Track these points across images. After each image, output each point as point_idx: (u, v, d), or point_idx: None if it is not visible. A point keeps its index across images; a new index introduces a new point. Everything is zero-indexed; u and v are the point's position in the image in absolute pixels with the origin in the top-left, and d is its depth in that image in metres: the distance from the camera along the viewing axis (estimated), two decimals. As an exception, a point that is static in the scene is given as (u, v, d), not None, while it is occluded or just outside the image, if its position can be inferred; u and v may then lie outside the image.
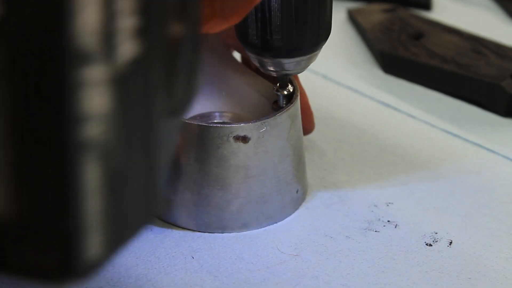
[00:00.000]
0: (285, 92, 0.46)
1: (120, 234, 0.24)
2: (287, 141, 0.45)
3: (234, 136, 0.43)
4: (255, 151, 0.44)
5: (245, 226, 0.45)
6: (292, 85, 0.46)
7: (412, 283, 0.42)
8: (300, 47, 0.44)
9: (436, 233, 0.45)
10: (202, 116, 0.49)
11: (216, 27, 0.36)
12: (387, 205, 0.48)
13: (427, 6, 0.76)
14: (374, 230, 0.45)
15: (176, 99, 0.25)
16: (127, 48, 0.22)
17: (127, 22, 0.22)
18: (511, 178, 0.51)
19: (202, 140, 0.43)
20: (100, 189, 0.22)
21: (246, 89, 0.49)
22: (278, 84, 0.46)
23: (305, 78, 0.51)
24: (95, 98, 0.21)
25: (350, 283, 0.41)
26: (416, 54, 0.63)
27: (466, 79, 0.60)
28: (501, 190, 0.50)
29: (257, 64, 0.45)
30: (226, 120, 0.49)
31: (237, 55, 0.53)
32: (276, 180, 0.45)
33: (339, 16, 0.74)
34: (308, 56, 0.44)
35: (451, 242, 0.45)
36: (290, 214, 0.47)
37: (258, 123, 0.43)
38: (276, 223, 0.46)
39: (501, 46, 0.64)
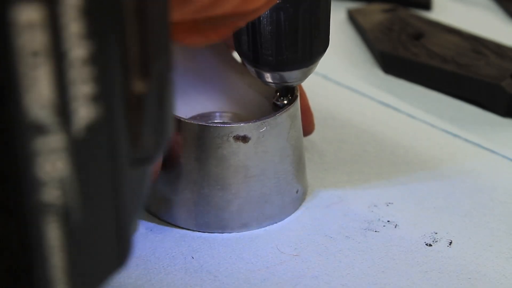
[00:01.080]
0: (285, 102, 0.46)
1: (87, 284, 0.25)
2: (287, 141, 0.45)
3: (234, 136, 0.43)
4: (255, 151, 0.44)
5: (245, 226, 0.45)
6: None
7: (412, 283, 0.42)
8: (292, 63, 0.43)
9: (436, 233, 0.45)
10: (202, 116, 0.49)
11: (196, 42, 0.36)
12: (387, 205, 0.48)
13: (427, 6, 0.76)
14: (374, 230, 0.45)
15: (144, 150, 0.26)
16: (83, 115, 0.22)
17: (81, 90, 0.22)
18: (511, 178, 0.51)
19: (202, 140, 0.43)
20: (62, 247, 0.23)
21: (246, 89, 0.49)
22: (277, 94, 0.46)
23: (305, 78, 0.51)
24: (51, 165, 0.22)
25: (350, 283, 0.41)
26: (416, 54, 0.63)
27: (466, 79, 0.60)
28: (501, 190, 0.50)
29: (254, 75, 0.45)
30: (226, 120, 0.49)
31: (237, 55, 0.53)
32: (276, 180, 0.45)
33: (339, 16, 0.74)
34: (305, 69, 0.44)
35: (451, 242, 0.45)
36: (290, 214, 0.47)
37: (258, 123, 0.43)
38: (276, 223, 0.46)
39: (501, 46, 0.64)
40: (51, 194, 0.22)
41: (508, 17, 0.76)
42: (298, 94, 0.46)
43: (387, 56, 0.64)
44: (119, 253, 0.26)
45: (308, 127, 0.51)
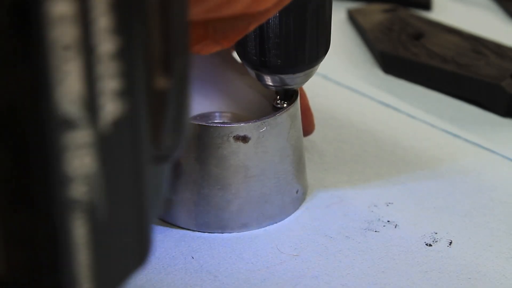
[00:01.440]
0: (285, 105, 0.46)
1: (110, 282, 0.25)
2: (287, 141, 0.45)
3: (234, 136, 0.43)
4: (255, 151, 0.44)
5: (245, 226, 0.45)
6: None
7: (412, 283, 0.42)
8: (299, 64, 0.44)
9: (436, 233, 0.45)
10: (202, 116, 0.49)
11: (207, 48, 0.36)
12: (387, 205, 0.48)
13: (427, 6, 0.76)
14: (374, 230, 0.45)
15: (164, 148, 0.26)
16: (110, 110, 0.23)
17: (108, 85, 0.22)
18: (511, 178, 0.51)
19: (202, 140, 0.43)
20: (88, 243, 0.23)
21: (246, 89, 0.49)
22: (278, 97, 0.46)
23: (305, 78, 0.51)
24: (79, 160, 0.22)
25: (350, 283, 0.41)
26: (416, 54, 0.63)
27: (466, 79, 0.60)
28: (501, 190, 0.50)
29: (255, 78, 0.45)
30: (226, 120, 0.49)
31: (237, 55, 0.53)
32: (276, 180, 0.45)
33: (339, 16, 0.74)
34: (307, 71, 0.44)
35: (451, 242, 0.45)
36: (290, 214, 0.47)
37: (258, 123, 0.43)
38: (276, 223, 0.46)
39: (501, 46, 0.64)
40: (79, 190, 0.22)
41: (508, 17, 0.76)
42: (298, 94, 0.46)
43: (387, 56, 0.64)
44: (140, 251, 0.26)
45: (308, 127, 0.51)
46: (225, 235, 0.45)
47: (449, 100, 0.60)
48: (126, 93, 0.23)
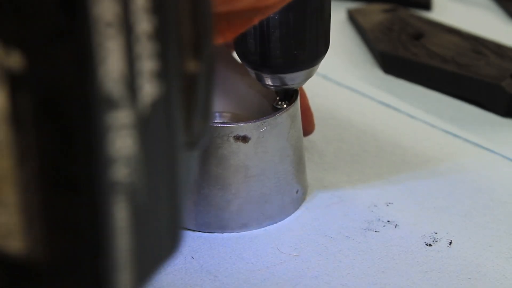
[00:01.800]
0: (285, 106, 0.46)
1: (147, 269, 0.24)
2: (287, 141, 0.45)
3: (234, 136, 0.43)
4: (255, 151, 0.44)
5: (245, 226, 0.45)
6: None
7: (412, 283, 0.42)
8: (299, 64, 0.44)
9: (436, 233, 0.45)
10: (202, 116, 0.49)
11: (215, 41, 0.36)
12: (387, 205, 0.48)
13: (427, 6, 0.76)
14: (374, 230, 0.45)
15: (193, 133, 0.26)
16: (148, 91, 0.22)
17: (147, 65, 0.22)
18: (511, 178, 0.51)
19: (202, 140, 0.43)
20: (129, 227, 0.23)
21: (246, 89, 0.49)
22: (277, 98, 0.46)
23: (305, 78, 0.51)
24: (121, 141, 0.22)
25: (350, 283, 0.41)
26: (416, 54, 0.63)
27: (466, 79, 0.60)
28: (501, 190, 0.50)
29: (255, 78, 0.45)
30: (226, 120, 0.49)
31: (237, 56, 0.53)
32: (276, 180, 0.45)
33: (339, 16, 0.74)
34: (307, 70, 0.44)
35: (451, 242, 0.45)
36: (290, 214, 0.47)
37: (258, 123, 0.43)
38: (276, 223, 0.46)
39: (501, 46, 0.64)
40: (121, 172, 0.22)
41: (508, 17, 0.76)
42: (298, 94, 0.46)
43: (387, 56, 0.64)
44: (173, 238, 0.26)
45: (308, 127, 0.51)
46: (225, 235, 0.45)
47: (449, 100, 0.60)
48: (162, 74, 0.23)
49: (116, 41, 0.21)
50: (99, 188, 0.21)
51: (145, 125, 0.22)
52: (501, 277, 0.42)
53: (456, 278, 0.42)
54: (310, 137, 0.53)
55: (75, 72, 0.20)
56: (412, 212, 0.47)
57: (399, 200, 0.48)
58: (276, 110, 0.46)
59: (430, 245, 0.44)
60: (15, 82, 0.20)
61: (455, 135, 0.56)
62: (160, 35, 0.22)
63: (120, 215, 0.22)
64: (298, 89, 0.46)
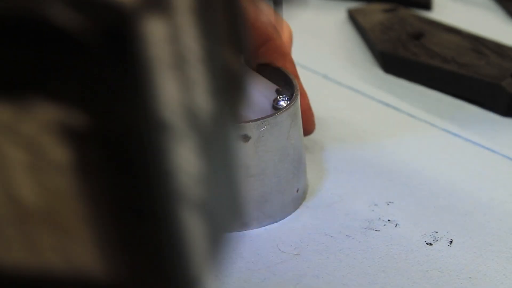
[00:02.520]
0: (285, 104, 0.46)
1: (218, 272, 0.25)
2: (287, 140, 0.45)
3: (234, 135, 0.43)
4: (255, 150, 0.44)
5: (245, 225, 0.45)
6: (292, 84, 0.46)
7: (413, 282, 0.42)
8: None
9: (437, 232, 0.45)
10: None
11: None
12: (388, 204, 0.48)
13: (427, 6, 0.76)
14: (375, 229, 0.45)
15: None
16: (205, 108, 0.23)
17: (200, 86, 0.23)
18: (511, 178, 0.51)
19: (203, 139, 0.43)
20: (203, 240, 0.23)
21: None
22: (278, 97, 0.46)
23: (305, 78, 0.51)
24: (188, 164, 0.22)
25: (350, 282, 0.41)
26: (416, 54, 0.63)
27: (466, 79, 0.60)
28: (501, 190, 0.50)
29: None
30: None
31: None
32: (276, 179, 0.45)
33: (339, 16, 0.74)
34: None
35: (451, 241, 0.45)
36: (290, 213, 0.47)
37: (258, 122, 0.43)
38: (276, 222, 0.46)
39: (501, 46, 0.64)
40: (191, 191, 0.22)
41: (508, 17, 0.76)
42: (299, 94, 0.46)
43: (387, 56, 0.64)
44: (234, 240, 0.26)
45: (308, 126, 0.51)
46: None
47: (449, 100, 0.60)
48: (216, 87, 0.23)
49: (171, 73, 0.21)
50: (169, 220, 0.22)
51: (207, 139, 0.23)
52: (501, 276, 0.42)
53: (457, 277, 0.42)
54: (310, 136, 0.53)
55: (138, 118, 0.20)
56: (412, 212, 0.47)
57: (399, 199, 0.48)
58: (276, 109, 0.46)
59: (431, 244, 0.44)
60: (81, 141, 0.20)
61: (455, 135, 0.56)
62: (209, 53, 0.23)
63: (195, 229, 0.23)
64: (299, 88, 0.46)
